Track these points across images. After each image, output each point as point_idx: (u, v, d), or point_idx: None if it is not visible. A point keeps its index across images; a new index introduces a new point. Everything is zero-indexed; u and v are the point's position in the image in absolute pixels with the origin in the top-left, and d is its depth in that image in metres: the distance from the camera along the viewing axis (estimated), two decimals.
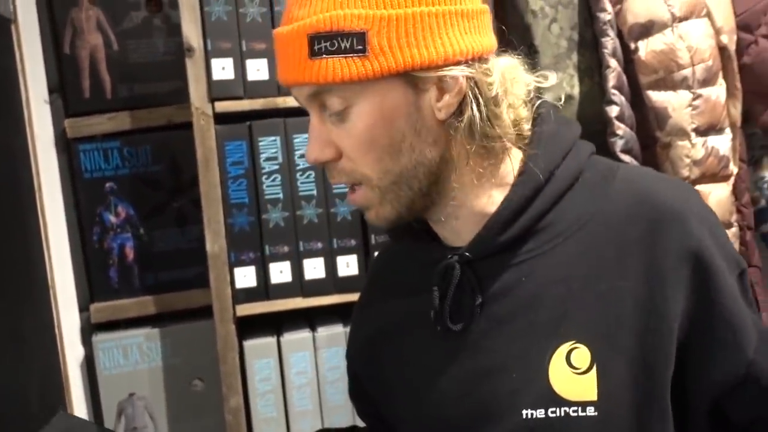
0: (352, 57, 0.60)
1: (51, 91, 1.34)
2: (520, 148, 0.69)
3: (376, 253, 1.24)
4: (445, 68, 0.62)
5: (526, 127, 0.69)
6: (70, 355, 1.35)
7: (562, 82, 1.02)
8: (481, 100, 0.64)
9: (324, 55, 0.60)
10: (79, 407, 1.36)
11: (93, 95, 1.34)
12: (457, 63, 0.63)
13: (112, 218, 1.36)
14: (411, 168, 0.65)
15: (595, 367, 0.64)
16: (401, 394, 0.76)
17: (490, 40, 0.67)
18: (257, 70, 1.20)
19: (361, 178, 0.66)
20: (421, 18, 0.61)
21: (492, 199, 0.68)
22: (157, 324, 1.38)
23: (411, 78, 0.63)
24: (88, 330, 1.38)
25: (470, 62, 0.64)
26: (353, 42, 0.60)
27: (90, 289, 1.37)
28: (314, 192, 1.23)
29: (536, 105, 0.70)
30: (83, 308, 1.38)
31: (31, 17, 1.31)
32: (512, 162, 0.69)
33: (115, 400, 1.35)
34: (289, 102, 1.22)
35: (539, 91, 0.71)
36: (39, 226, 1.30)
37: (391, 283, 0.80)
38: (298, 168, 1.23)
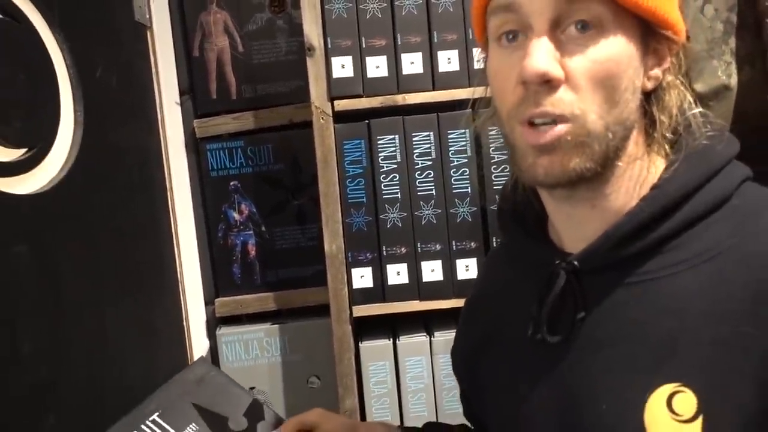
0: None
1: (181, 93, 1.40)
2: (661, 152, 0.63)
3: None
4: (668, 32, 0.59)
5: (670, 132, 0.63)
6: (197, 347, 1.40)
7: (716, 71, 0.91)
8: (680, 83, 0.60)
9: None
10: None
11: (219, 96, 1.38)
12: (677, 33, 0.60)
13: (236, 216, 1.40)
14: (616, 124, 0.59)
15: (701, 418, 0.55)
16: (491, 403, 0.72)
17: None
18: (376, 67, 1.18)
19: (576, 115, 0.58)
20: None
21: (631, 203, 0.62)
22: (276, 320, 1.40)
23: (646, 29, 0.59)
24: (213, 323, 1.43)
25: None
26: None
27: (215, 283, 1.42)
28: (433, 192, 1.19)
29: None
30: (209, 302, 1.43)
31: (164, 22, 1.36)
32: (655, 166, 0.62)
33: None
34: (408, 99, 1.18)
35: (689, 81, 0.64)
36: (170, 224, 1.35)
37: (497, 285, 0.76)
38: (416, 167, 1.19)
